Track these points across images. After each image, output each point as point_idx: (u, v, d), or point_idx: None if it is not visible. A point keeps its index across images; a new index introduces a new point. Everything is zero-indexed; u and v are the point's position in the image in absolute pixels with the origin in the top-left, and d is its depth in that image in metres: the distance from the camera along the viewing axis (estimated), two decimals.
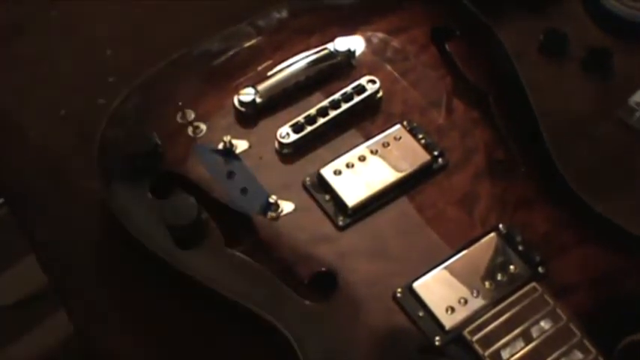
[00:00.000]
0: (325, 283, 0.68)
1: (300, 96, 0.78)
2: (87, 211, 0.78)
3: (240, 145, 0.75)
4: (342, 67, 0.80)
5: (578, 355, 0.64)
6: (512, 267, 0.68)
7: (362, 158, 0.74)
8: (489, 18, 0.83)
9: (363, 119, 0.77)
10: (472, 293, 0.67)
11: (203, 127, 0.76)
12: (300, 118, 0.75)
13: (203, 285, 0.69)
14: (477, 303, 0.66)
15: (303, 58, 0.79)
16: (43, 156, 0.83)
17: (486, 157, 0.75)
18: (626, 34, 0.89)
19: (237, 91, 0.77)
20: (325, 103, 0.76)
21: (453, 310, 0.66)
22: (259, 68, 0.80)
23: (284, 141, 0.75)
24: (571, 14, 0.92)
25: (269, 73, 0.79)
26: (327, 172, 0.73)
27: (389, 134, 0.75)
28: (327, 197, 0.72)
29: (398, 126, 0.76)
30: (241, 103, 0.77)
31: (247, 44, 0.82)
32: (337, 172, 0.73)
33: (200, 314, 0.72)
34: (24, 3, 0.94)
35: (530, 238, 0.70)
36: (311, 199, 0.73)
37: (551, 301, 0.66)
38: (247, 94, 0.77)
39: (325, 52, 0.80)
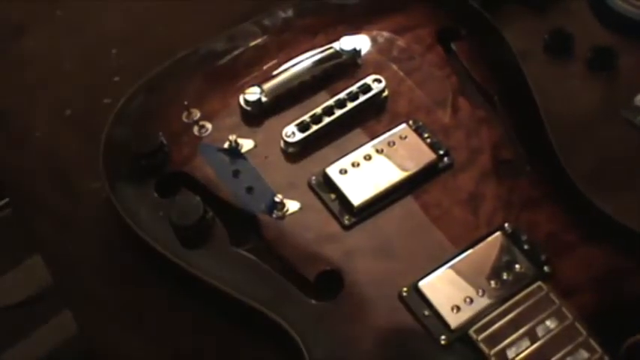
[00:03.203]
0: (331, 282, 0.68)
1: (305, 95, 0.78)
2: (91, 211, 0.78)
3: (246, 144, 0.75)
4: (348, 66, 0.80)
5: (584, 354, 0.64)
6: (517, 266, 0.68)
7: (367, 157, 0.74)
8: (495, 18, 0.83)
9: (369, 118, 0.77)
10: (478, 292, 0.67)
11: (209, 126, 0.77)
12: (306, 117, 0.75)
13: (208, 284, 0.69)
14: (482, 302, 0.66)
15: (308, 57, 0.79)
16: (47, 155, 0.83)
17: (492, 156, 0.75)
18: (632, 33, 0.89)
19: (242, 91, 0.77)
20: (331, 102, 0.76)
21: (458, 309, 0.66)
22: (265, 67, 0.80)
23: (290, 140, 0.75)
24: (576, 14, 0.92)
25: (274, 72, 0.79)
26: (332, 171, 0.73)
27: (394, 133, 0.75)
28: (333, 196, 0.72)
29: (403, 125, 0.76)
30: (247, 102, 0.77)
31: (253, 43, 0.82)
32: (343, 171, 0.73)
33: (204, 313, 0.72)
34: (29, 2, 0.94)
35: (536, 237, 0.70)
36: (317, 198, 0.73)
37: (556, 300, 0.66)
38: (253, 93, 0.77)
39: (331, 51, 0.80)
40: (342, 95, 0.77)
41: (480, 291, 0.67)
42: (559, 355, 0.64)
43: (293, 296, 0.68)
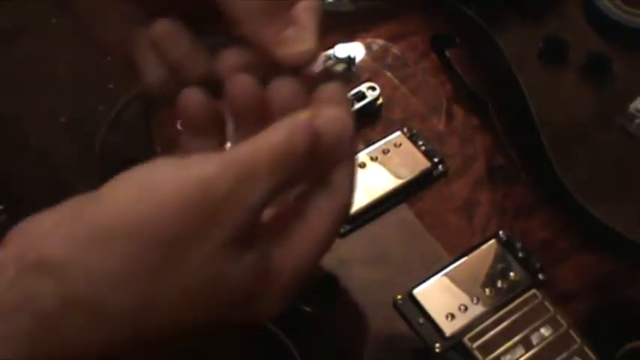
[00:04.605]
0: (325, 289, 0.68)
1: None
2: None
3: None
4: (343, 73, 0.80)
5: None
6: (512, 274, 0.68)
7: (362, 165, 0.73)
8: (489, 24, 0.83)
9: (363, 126, 0.77)
10: (472, 300, 0.67)
11: None
12: None
13: None
14: (477, 310, 0.66)
15: None
16: (42, 162, 0.83)
17: (486, 163, 0.75)
18: (626, 40, 0.89)
19: None
20: None
21: (453, 316, 0.66)
22: None
23: None
24: (571, 21, 0.92)
25: None
26: None
27: (389, 141, 0.75)
28: None
29: (398, 133, 0.76)
30: None
31: None
32: None
33: None
34: (24, 9, 0.94)
35: (530, 244, 0.70)
36: None
37: (551, 308, 0.66)
38: None
39: (325, 59, 0.80)
40: None
41: (475, 299, 0.67)
42: None
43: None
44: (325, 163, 0.50)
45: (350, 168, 0.51)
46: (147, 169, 0.47)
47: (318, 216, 0.50)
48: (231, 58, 0.54)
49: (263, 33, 0.53)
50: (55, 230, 0.45)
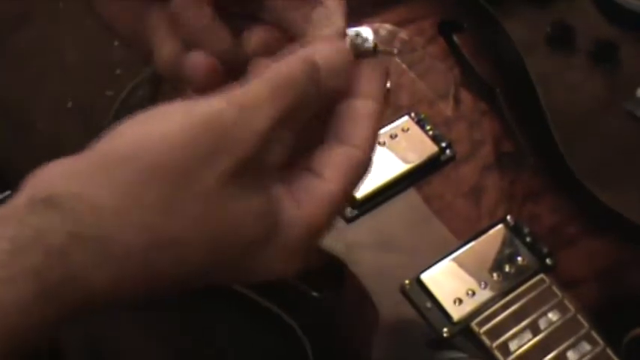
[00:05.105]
0: (333, 275, 0.68)
1: None
2: None
3: None
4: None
5: (586, 346, 0.64)
6: (520, 259, 0.68)
7: None
8: (497, 10, 0.83)
9: None
10: (480, 285, 0.67)
11: None
12: None
13: None
14: (484, 294, 0.66)
15: None
16: (49, 148, 0.83)
17: (494, 148, 0.75)
18: (634, 26, 0.89)
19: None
20: None
21: (460, 301, 0.66)
22: None
23: None
24: (578, 6, 0.92)
25: None
26: None
27: (396, 126, 0.75)
28: None
29: (406, 117, 0.76)
30: None
31: None
32: None
33: (204, 305, 0.72)
34: None
35: (538, 229, 0.70)
36: None
37: (559, 293, 0.66)
38: None
39: None
40: None
41: (483, 283, 0.67)
42: (561, 348, 0.63)
43: (294, 289, 0.68)
44: (328, 94, 0.50)
45: (369, 122, 0.51)
46: (152, 110, 0.47)
47: (335, 171, 0.49)
48: (257, 35, 0.54)
49: (293, 13, 0.54)
50: (63, 169, 0.45)
